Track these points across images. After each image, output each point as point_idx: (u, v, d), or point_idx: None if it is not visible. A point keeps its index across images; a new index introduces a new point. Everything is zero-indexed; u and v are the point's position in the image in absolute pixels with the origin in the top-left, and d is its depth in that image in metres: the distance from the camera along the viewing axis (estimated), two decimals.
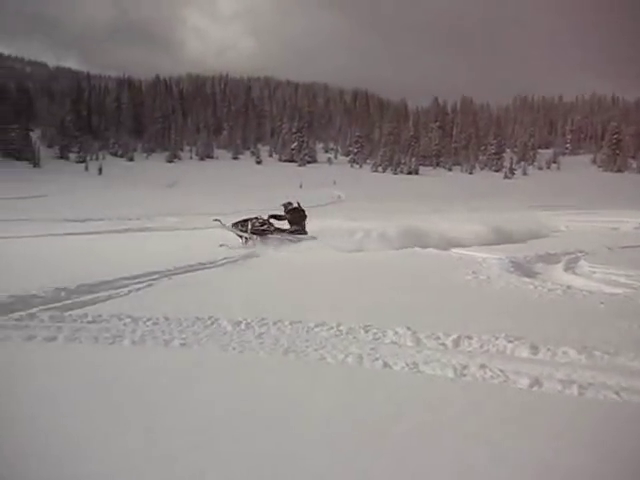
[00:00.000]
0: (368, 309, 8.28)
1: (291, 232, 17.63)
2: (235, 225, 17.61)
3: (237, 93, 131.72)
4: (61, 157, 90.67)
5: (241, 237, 17.34)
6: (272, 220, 17.83)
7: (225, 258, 13.87)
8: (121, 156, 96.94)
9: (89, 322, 7.38)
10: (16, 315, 7.76)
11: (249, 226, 17.36)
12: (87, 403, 4.78)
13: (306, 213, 18.16)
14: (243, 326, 7.12)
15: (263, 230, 17.39)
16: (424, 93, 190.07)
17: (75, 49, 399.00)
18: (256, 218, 17.70)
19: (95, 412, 4.59)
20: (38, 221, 27.82)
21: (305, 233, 17.75)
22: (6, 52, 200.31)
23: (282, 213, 18.14)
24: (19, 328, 7.12)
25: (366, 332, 6.90)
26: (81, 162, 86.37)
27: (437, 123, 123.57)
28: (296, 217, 17.97)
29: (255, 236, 17.22)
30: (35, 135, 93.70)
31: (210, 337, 6.71)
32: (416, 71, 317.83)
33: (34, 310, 8.02)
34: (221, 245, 16.50)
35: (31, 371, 5.62)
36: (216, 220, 17.90)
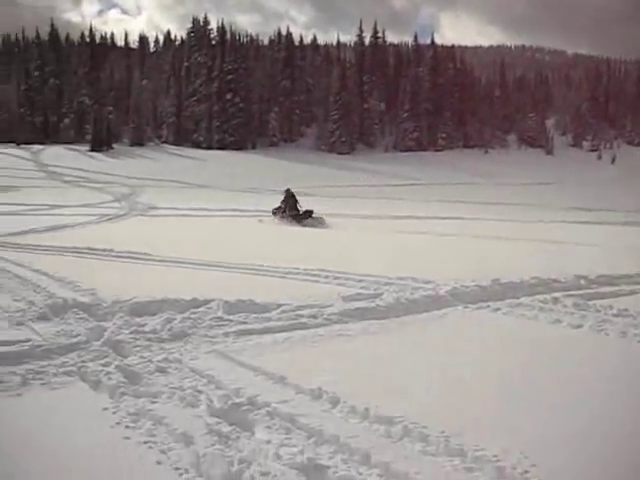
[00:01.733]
0: None
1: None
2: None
3: None
4: (574, 145, 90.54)
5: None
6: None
7: None
8: (638, 144, 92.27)
9: (614, 315, 7.14)
10: (540, 297, 7.99)
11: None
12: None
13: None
14: None
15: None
16: None
17: (589, 34, 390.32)
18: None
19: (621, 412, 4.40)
20: (546, 207, 28.33)
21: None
22: (527, 44, 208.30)
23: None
24: (544, 310, 7.30)
25: None
26: (594, 150, 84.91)
27: None
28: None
29: None
30: (550, 123, 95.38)
31: None
32: None
33: (557, 294, 8.13)
34: None
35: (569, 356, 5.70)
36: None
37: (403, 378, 4.90)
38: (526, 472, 3.40)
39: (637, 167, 68.10)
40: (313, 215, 20.42)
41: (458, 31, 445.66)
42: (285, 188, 21.96)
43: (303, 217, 20.34)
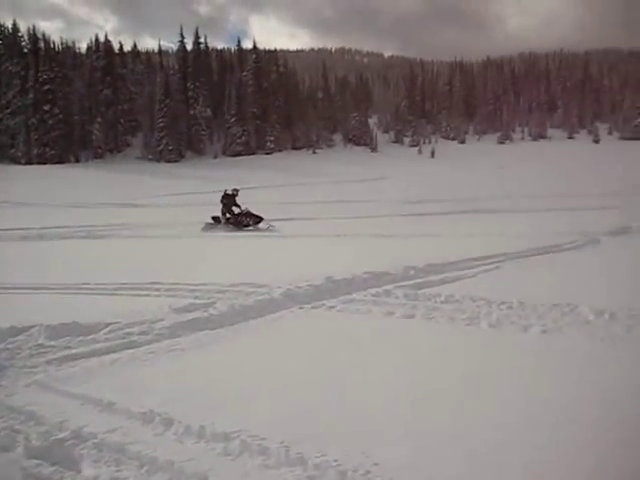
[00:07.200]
0: None
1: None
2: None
3: (572, 68, 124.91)
4: (396, 141, 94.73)
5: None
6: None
7: (571, 242, 13.06)
8: (453, 139, 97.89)
9: (442, 302, 7.39)
10: (372, 291, 8.12)
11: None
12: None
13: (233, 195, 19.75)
14: (607, 316, 6.50)
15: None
16: None
17: (399, 37, 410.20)
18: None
19: (456, 397, 4.50)
20: (378, 202, 29.24)
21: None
22: (347, 46, 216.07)
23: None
24: (378, 304, 7.41)
25: None
26: (414, 146, 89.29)
27: None
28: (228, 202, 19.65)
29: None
30: (372, 121, 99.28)
31: (572, 326, 6.26)
32: None
33: (389, 287, 8.31)
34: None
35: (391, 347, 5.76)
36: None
37: (238, 389, 4.73)
38: (368, 472, 3.35)
39: (453, 158, 72.55)
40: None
41: (270, 35, 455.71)
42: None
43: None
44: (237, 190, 19.97)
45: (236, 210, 19.57)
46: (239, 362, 5.45)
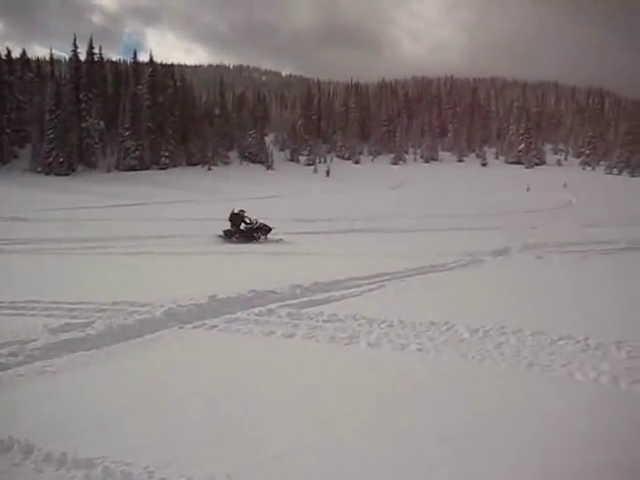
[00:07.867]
0: (619, 323, 7.50)
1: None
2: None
3: (462, 94, 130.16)
4: (292, 160, 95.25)
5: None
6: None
7: (456, 262, 13.52)
8: (348, 158, 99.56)
9: (325, 321, 7.45)
10: (256, 310, 8.08)
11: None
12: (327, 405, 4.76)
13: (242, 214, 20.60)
14: (481, 334, 6.75)
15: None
16: None
17: (290, 55, 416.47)
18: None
19: (332, 415, 4.54)
20: (273, 220, 29.26)
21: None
22: (245, 63, 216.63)
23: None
24: (260, 323, 7.38)
25: (618, 349, 6.23)
26: (310, 164, 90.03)
27: None
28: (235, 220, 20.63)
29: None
30: (269, 139, 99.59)
31: (447, 343, 6.45)
32: None
33: (273, 306, 8.30)
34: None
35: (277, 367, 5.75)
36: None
37: (107, 412, 4.57)
38: None
39: (348, 178, 73.79)
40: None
41: (167, 49, 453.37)
42: None
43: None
44: (243, 211, 20.80)
45: (243, 226, 20.53)
46: (111, 385, 5.28)
